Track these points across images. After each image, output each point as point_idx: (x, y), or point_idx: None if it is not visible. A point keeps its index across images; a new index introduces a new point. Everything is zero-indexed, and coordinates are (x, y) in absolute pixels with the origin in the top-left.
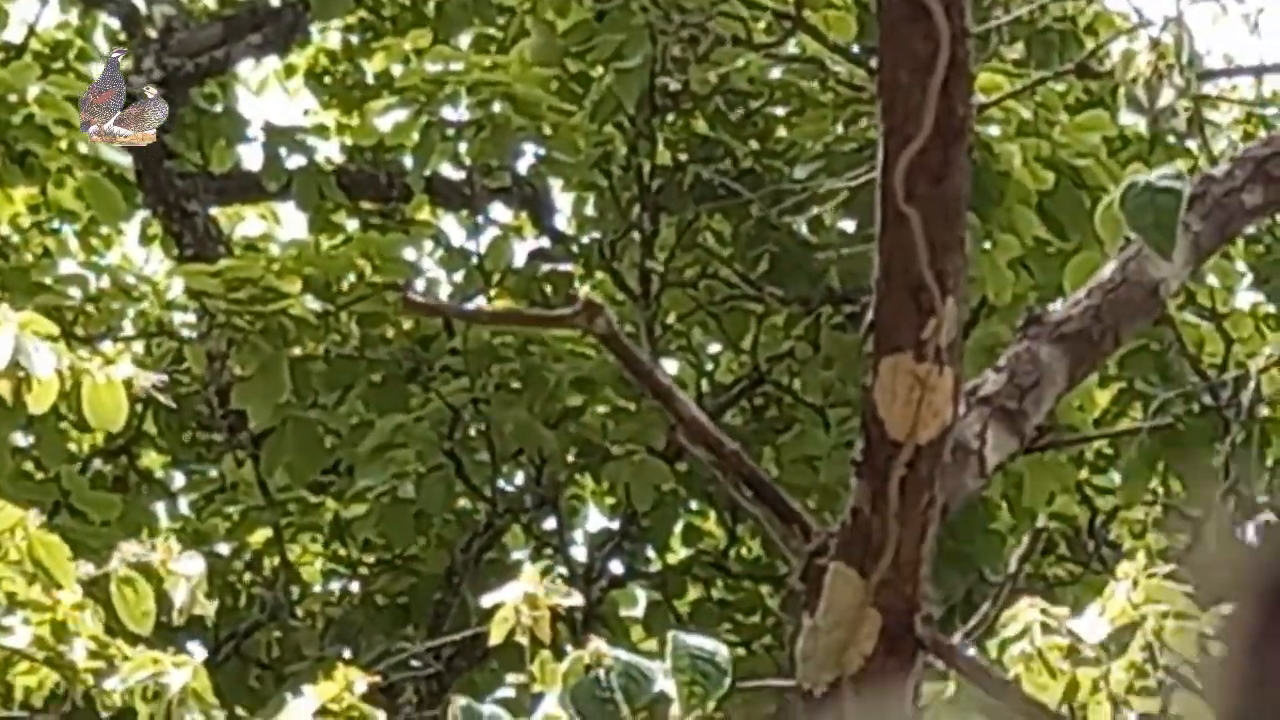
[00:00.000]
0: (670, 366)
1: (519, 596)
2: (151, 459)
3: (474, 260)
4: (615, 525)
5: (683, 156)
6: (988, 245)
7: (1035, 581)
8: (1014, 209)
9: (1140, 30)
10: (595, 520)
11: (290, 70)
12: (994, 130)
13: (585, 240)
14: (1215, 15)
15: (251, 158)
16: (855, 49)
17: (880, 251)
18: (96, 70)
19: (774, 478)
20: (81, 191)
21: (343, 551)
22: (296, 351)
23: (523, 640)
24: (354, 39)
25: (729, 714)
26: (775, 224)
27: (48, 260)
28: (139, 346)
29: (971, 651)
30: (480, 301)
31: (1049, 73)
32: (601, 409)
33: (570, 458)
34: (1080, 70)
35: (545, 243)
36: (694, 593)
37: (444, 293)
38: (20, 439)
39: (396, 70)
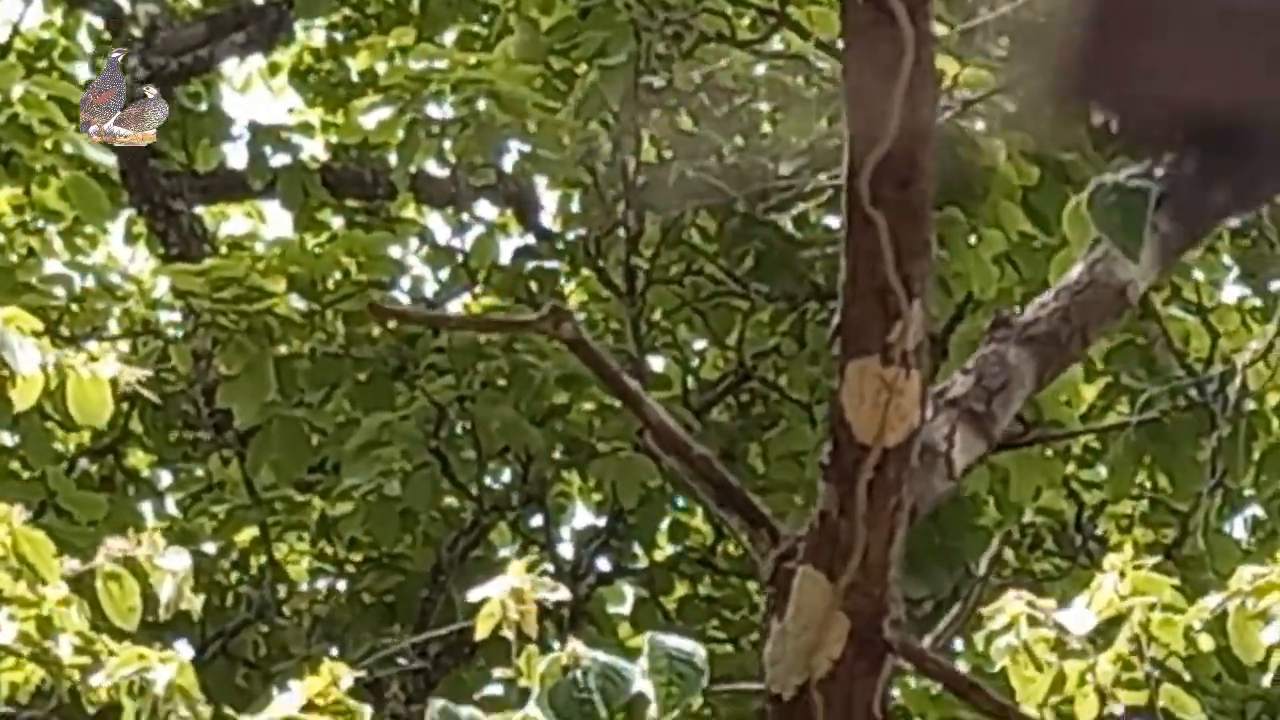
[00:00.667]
0: (656, 363)
1: (505, 591)
2: (138, 458)
3: (459, 258)
4: (602, 522)
5: (667, 153)
6: (972, 240)
7: (1022, 576)
8: (998, 204)
9: None
10: (582, 517)
11: (274, 68)
12: (979, 125)
13: (570, 237)
14: None
15: (236, 156)
16: (840, 45)
17: (846, 255)
18: (81, 69)
19: (760, 474)
20: (66, 191)
21: (329, 550)
22: (282, 350)
23: (509, 635)
24: (338, 37)
25: (715, 710)
26: (760, 220)
27: (32, 260)
28: (124, 346)
29: (954, 647)
30: (466, 298)
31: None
32: (587, 406)
33: (556, 455)
34: None
35: (531, 240)
36: (681, 589)
37: (429, 290)
38: (6, 438)
39: (381, 68)
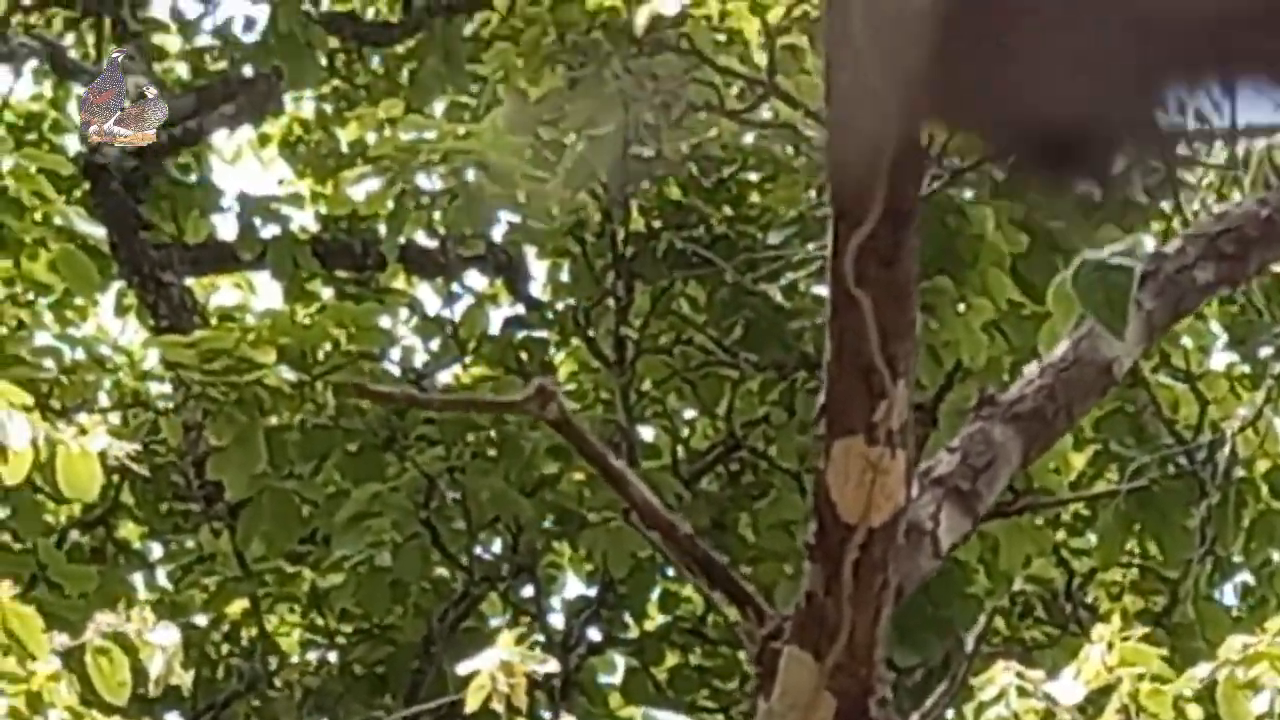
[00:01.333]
0: (646, 433)
1: (495, 664)
2: (129, 530)
3: (449, 328)
4: (593, 592)
5: (656, 223)
6: (961, 309)
7: (1013, 645)
8: (987, 272)
9: None
10: (573, 587)
11: (264, 140)
12: (968, 194)
13: (560, 307)
14: None
15: (226, 227)
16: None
17: (831, 335)
18: (71, 141)
19: (751, 543)
20: (56, 264)
21: (320, 621)
22: (272, 421)
23: (499, 708)
24: (327, 108)
25: None
26: (750, 290)
27: (22, 332)
28: (115, 418)
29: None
30: (456, 369)
31: None
32: (577, 476)
33: (547, 525)
34: None
35: (520, 310)
36: (672, 659)
37: (419, 360)
38: None
39: (370, 139)
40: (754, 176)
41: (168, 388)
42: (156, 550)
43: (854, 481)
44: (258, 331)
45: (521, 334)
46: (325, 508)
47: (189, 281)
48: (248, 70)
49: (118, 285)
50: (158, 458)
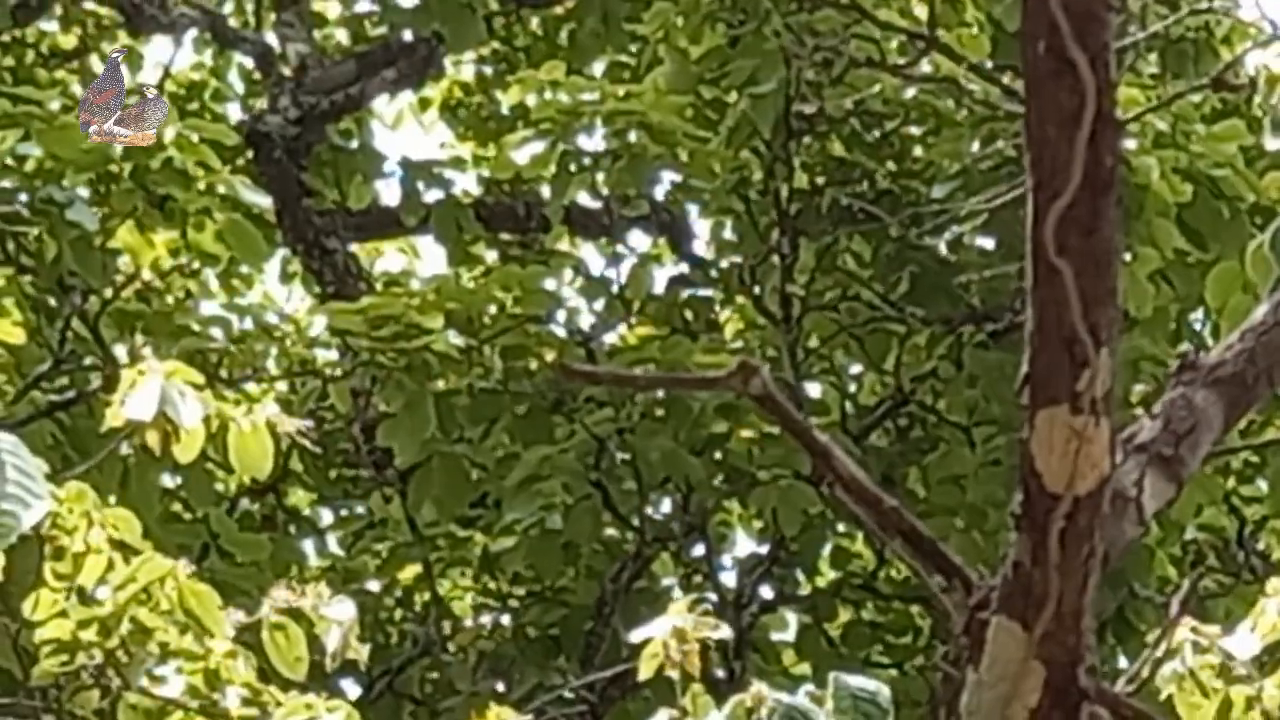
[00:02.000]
0: (813, 389)
1: (668, 631)
2: (299, 497)
3: (614, 289)
4: (764, 550)
5: (820, 179)
6: (1128, 259)
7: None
8: (1153, 221)
9: (1277, 41)
10: (744, 546)
11: (425, 104)
12: (1131, 144)
13: (724, 265)
14: None
15: (389, 193)
16: (990, 66)
17: (1033, 305)
18: (233, 110)
19: (921, 498)
20: (221, 233)
21: (492, 585)
22: (440, 386)
23: (674, 675)
24: (488, 71)
25: None
26: (914, 244)
27: (190, 303)
28: (283, 386)
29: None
30: (622, 329)
31: (1185, 86)
32: (746, 434)
33: (717, 484)
34: (1216, 83)
35: (684, 269)
36: (844, 615)
37: (585, 321)
38: (168, 481)
39: (531, 101)
40: (916, 131)
41: (335, 354)
42: (327, 517)
43: (1059, 451)
44: (424, 297)
45: (686, 293)
46: (495, 471)
47: (353, 248)
48: (407, 35)
49: (282, 253)
50: (326, 425)
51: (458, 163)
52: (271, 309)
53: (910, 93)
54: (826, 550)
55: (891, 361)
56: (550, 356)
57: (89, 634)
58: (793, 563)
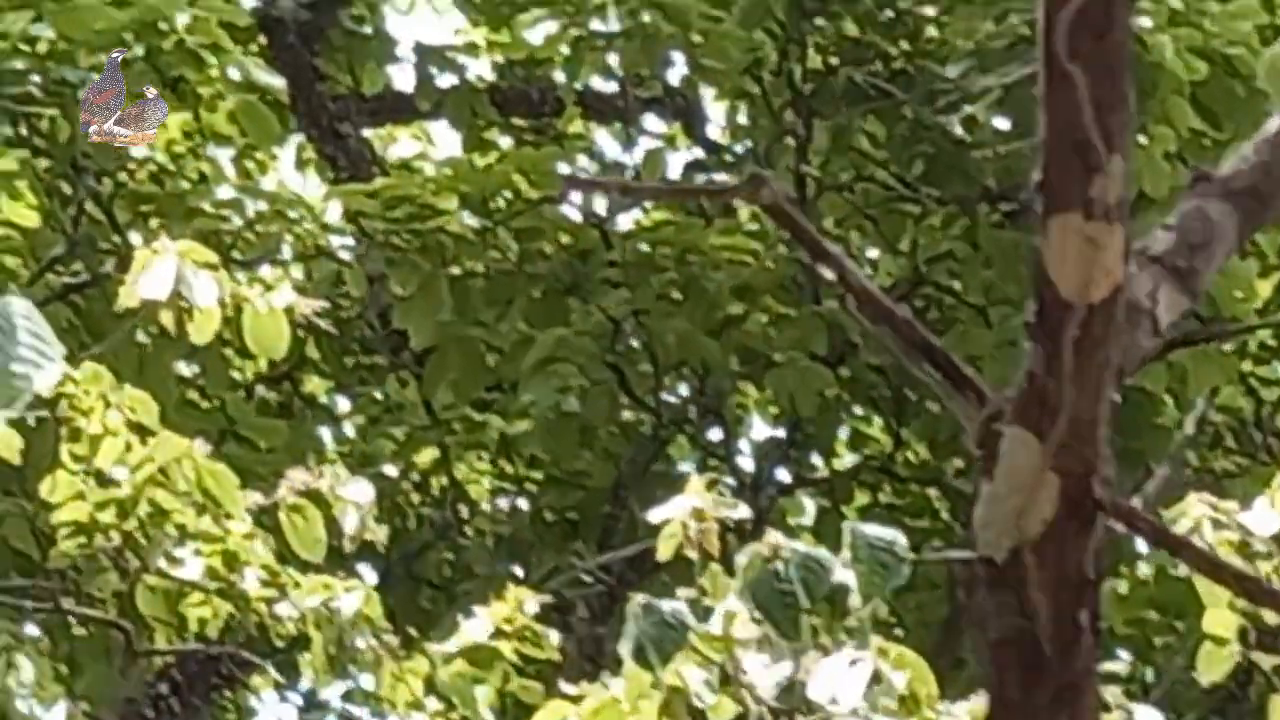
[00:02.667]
0: (828, 273)
1: (686, 511)
2: (315, 384)
3: (629, 172)
4: (780, 433)
5: (834, 60)
6: (1142, 139)
7: (1203, 475)
8: (1167, 100)
9: None
10: (760, 429)
11: None
12: (1146, 22)
13: (739, 148)
14: None
15: (402, 78)
16: None
17: (1044, 111)
18: None
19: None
20: (235, 115)
21: (509, 468)
22: (455, 269)
23: (692, 554)
24: None
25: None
26: (929, 124)
27: (204, 185)
28: (298, 270)
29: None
30: (636, 213)
31: None
32: (763, 317)
33: (733, 367)
34: None
35: (699, 153)
36: (861, 498)
37: (599, 206)
38: (184, 368)
39: None
40: (930, 10)
41: (350, 240)
42: (343, 403)
43: (1072, 258)
44: (438, 179)
45: (701, 176)
46: (511, 354)
47: (367, 133)
48: None
49: (297, 140)
50: (342, 310)
51: (472, 48)
52: (286, 194)
53: None
54: (843, 433)
55: (907, 242)
56: (565, 240)
57: (106, 516)
58: (809, 445)
